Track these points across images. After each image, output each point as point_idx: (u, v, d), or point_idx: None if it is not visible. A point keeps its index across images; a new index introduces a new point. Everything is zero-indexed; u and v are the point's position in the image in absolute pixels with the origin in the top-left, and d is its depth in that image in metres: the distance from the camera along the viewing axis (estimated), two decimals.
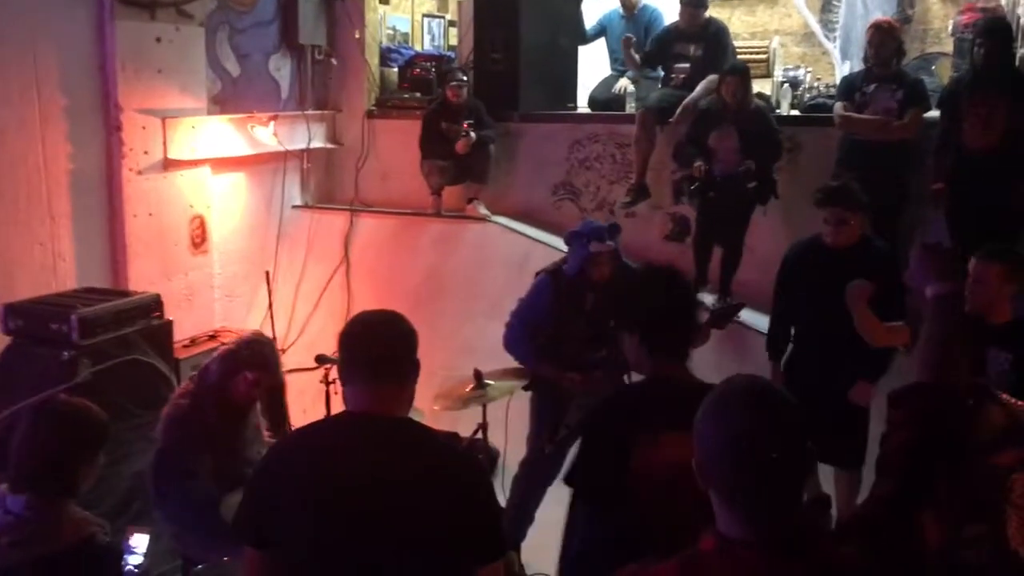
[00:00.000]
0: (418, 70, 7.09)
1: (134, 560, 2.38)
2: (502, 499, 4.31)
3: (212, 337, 5.25)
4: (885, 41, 5.19)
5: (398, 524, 1.91)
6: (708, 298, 5.36)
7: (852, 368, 4.00)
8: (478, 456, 2.15)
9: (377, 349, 2.06)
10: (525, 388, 4.25)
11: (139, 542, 2.41)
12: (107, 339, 3.98)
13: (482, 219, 6.38)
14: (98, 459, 2.29)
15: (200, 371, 3.41)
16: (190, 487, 3.20)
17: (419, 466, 1.97)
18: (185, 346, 4.98)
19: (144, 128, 5.35)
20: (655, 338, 2.40)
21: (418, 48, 8.05)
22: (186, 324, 5.13)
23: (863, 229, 4.04)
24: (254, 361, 3.33)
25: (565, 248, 4.27)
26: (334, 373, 4.51)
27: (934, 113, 5.26)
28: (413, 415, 2.20)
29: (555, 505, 3.67)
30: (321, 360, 4.31)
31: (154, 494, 3.33)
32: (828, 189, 4.10)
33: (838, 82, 6.11)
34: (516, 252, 6.10)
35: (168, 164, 5.52)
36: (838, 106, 5.31)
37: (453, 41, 8.16)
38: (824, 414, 3.50)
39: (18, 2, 4.68)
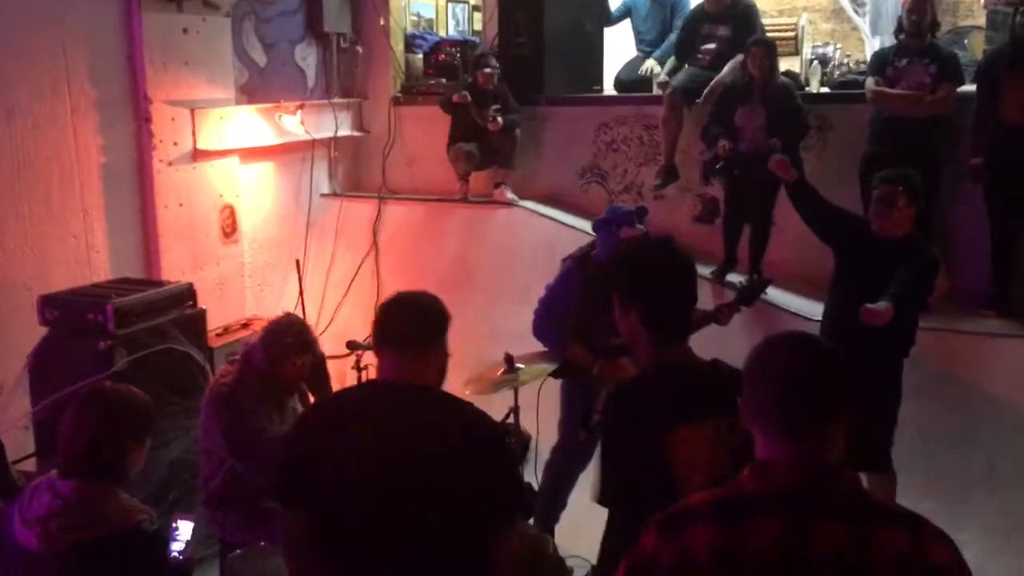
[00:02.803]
0: (443, 56, 7.08)
1: (177, 547, 2.42)
2: (535, 483, 4.33)
3: (245, 326, 5.30)
4: (924, 8, 5.07)
5: (421, 486, 2.01)
6: (737, 278, 5.32)
7: (876, 366, 3.76)
8: (499, 423, 2.20)
9: (404, 320, 2.18)
10: (554, 375, 4.23)
11: (184, 529, 2.45)
12: (142, 328, 4.02)
13: (509, 204, 6.37)
14: (145, 444, 2.32)
15: (243, 356, 3.43)
16: (265, 440, 3.20)
17: (440, 431, 2.07)
18: (218, 335, 5.03)
19: (173, 119, 5.39)
20: (662, 318, 2.21)
21: (442, 34, 8.03)
22: (218, 313, 5.17)
23: (909, 225, 3.92)
24: (299, 346, 3.36)
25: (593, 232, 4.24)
26: (366, 359, 4.55)
27: (968, 87, 5.17)
28: None
29: (588, 488, 3.68)
30: (352, 346, 4.33)
31: (234, 458, 3.30)
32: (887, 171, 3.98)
33: (868, 58, 6.02)
34: (544, 236, 6.08)
35: (197, 155, 5.56)
36: (870, 81, 5.22)
37: (478, 26, 8.14)
38: None
39: None
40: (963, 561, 1.49)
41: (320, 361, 3.67)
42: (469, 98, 6.15)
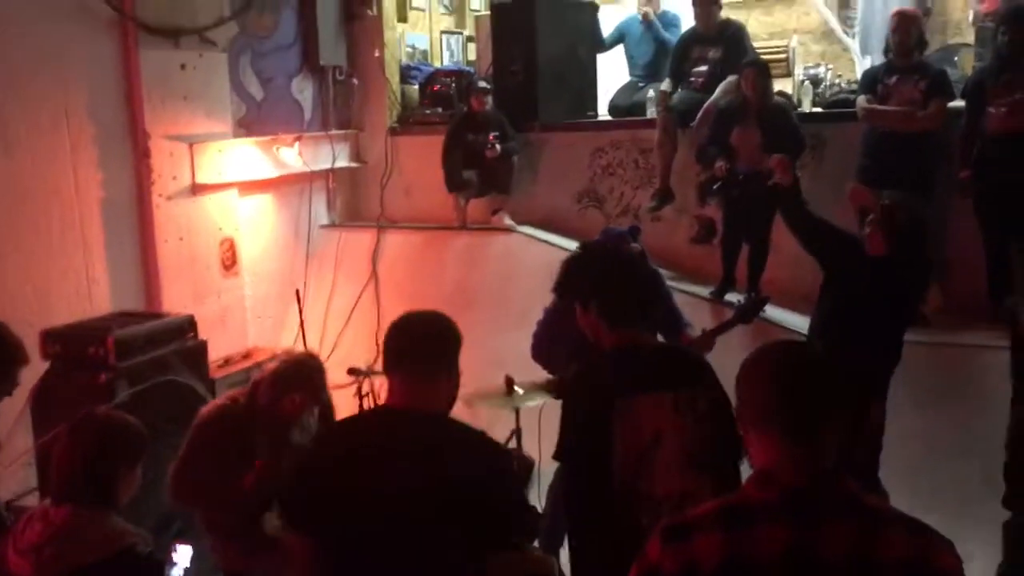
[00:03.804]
0: (438, 86, 7.16)
1: (176, 573, 2.42)
2: (539, 506, 4.31)
3: (246, 357, 5.31)
4: (909, 29, 5.15)
5: (430, 517, 2.00)
6: (735, 297, 5.34)
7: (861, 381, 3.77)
8: (506, 449, 2.24)
9: (415, 342, 2.17)
10: (556, 397, 4.24)
11: (183, 554, 2.45)
12: (143, 360, 4.03)
13: (507, 230, 6.41)
14: (137, 470, 2.32)
15: (251, 388, 3.43)
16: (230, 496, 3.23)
17: (448, 462, 2.05)
18: (220, 366, 5.05)
19: (172, 154, 5.44)
20: (615, 306, 2.48)
21: (437, 64, 8.11)
22: (220, 345, 5.19)
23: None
24: (302, 384, 3.36)
25: None
26: (367, 386, 4.56)
27: (958, 103, 5.22)
28: None
29: None
30: (354, 372, 4.34)
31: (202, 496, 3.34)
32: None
33: (859, 77, 6.07)
34: (542, 261, 6.08)
35: (196, 188, 5.61)
36: (861, 99, 5.28)
37: (472, 56, 8.22)
38: None
39: (47, 34, 4.79)
40: (963, 570, 1.49)
41: (327, 409, 3.67)
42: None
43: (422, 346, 2.16)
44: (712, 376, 2.49)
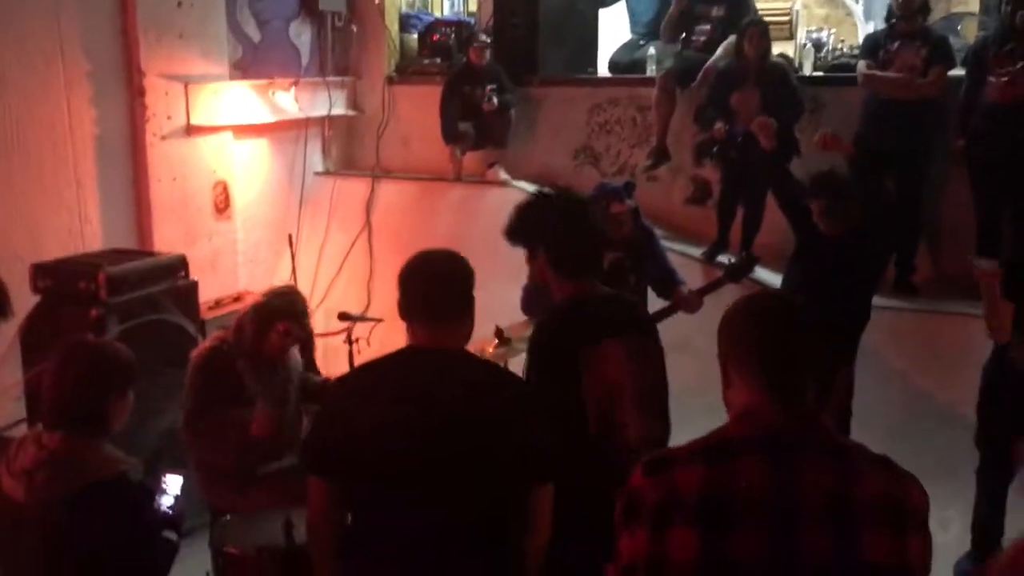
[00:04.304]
0: (438, 36, 7.08)
1: (166, 501, 2.44)
2: None
3: (237, 299, 5.31)
4: None
5: (456, 450, 2.00)
6: (726, 259, 5.35)
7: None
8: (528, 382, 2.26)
9: (435, 289, 2.15)
10: None
11: (173, 483, 2.47)
12: (134, 297, 4.03)
13: (502, 184, 6.38)
14: (128, 396, 2.33)
15: (235, 328, 3.44)
16: (224, 432, 3.26)
17: (474, 394, 2.06)
18: (210, 308, 5.04)
19: (167, 93, 5.39)
20: (563, 254, 2.53)
21: (437, 14, 8.02)
22: (211, 288, 5.17)
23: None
24: (285, 312, 3.36)
25: None
26: (357, 331, 4.57)
27: (959, 71, 5.19)
28: None
29: None
30: (345, 317, 4.34)
31: (188, 438, 3.37)
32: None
33: (861, 42, 6.03)
34: None
35: (191, 130, 5.56)
36: (861, 64, 5.25)
37: (472, 7, 8.13)
38: None
39: None
40: (929, 506, 1.58)
41: (308, 339, 3.69)
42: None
43: (448, 289, 2.15)
44: (654, 327, 2.70)
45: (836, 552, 1.46)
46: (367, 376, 2.24)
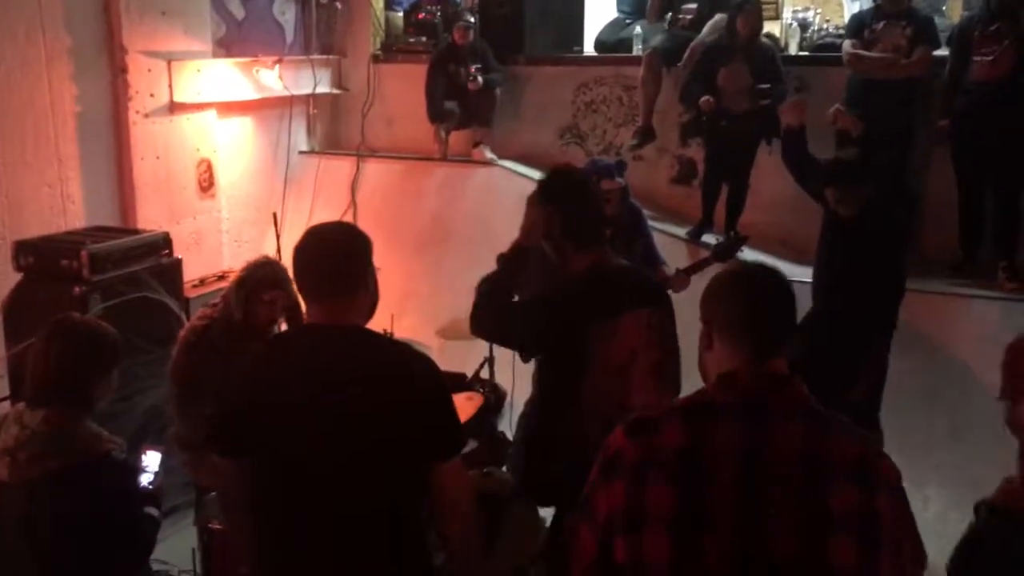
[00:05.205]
0: (423, 14, 7.04)
1: (146, 478, 2.44)
2: (509, 435, 4.38)
3: (221, 278, 5.30)
4: None
5: (353, 426, 1.95)
6: (712, 239, 5.38)
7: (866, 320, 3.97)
8: (428, 356, 2.16)
9: (325, 264, 2.06)
10: None
11: (152, 460, 2.47)
12: (117, 275, 4.02)
13: (488, 163, 6.38)
14: (112, 375, 2.33)
15: (221, 305, 3.42)
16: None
17: (369, 368, 2.01)
18: (194, 286, 5.03)
19: (149, 71, 5.34)
20: (581, 230, 2.64)
21: None
22: (195, 266, 5.16)
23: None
24: (269, 281, 3.34)
25: None
26: None
27: (944, 51, 5.21)
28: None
29: None
30: None
31: (176, 414, 3.37)
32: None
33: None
34: (521, 196, 5.97)
35: (174, 107, 5.52)
36: (847, 44, 5.25)
37: None
38: None
39: None
40: (900, 474, 1.62)
41: (295, 306, 3.66)
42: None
43: (340, 264, 2.06)
44: (668, 298, 2.81)
45: (807, 507, 1.52)
46: (261, 357, 2.17)
